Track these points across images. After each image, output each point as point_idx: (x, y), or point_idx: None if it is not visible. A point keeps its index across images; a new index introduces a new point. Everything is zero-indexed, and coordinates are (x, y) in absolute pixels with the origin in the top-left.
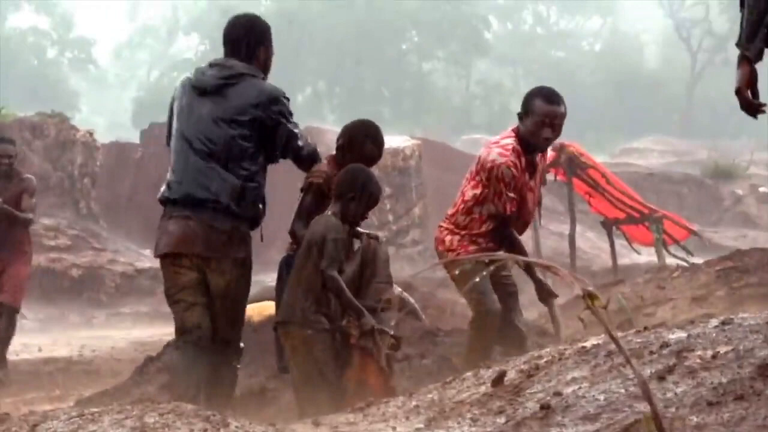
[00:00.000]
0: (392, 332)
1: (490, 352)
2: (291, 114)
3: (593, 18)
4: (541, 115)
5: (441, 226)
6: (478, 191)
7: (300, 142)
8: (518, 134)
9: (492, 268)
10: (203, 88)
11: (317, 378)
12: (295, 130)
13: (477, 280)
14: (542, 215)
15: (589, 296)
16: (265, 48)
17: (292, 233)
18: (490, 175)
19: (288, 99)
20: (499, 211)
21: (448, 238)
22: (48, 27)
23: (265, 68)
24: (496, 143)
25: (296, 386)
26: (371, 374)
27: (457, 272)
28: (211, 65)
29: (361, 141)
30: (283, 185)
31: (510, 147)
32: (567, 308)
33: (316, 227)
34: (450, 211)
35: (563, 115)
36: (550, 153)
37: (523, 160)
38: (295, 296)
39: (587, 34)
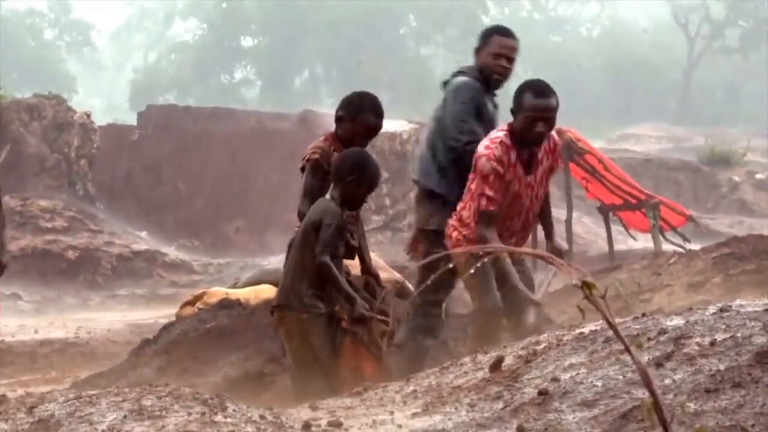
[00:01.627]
0: (383, 318)
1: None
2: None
3: (591, 3)
4: (531, 110)
5: (449, 222)
6: (474, 186)
7: None
8: (511, 129)
9: (486, 260)
10: None
11: (312, 362)
12: None
13: (477, 276)
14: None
15: (587, 285)
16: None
17: (300, 213)
18: (475, 169)
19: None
20: (477, 207)
21: (454, 234)
22: (46, 9)
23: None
24: (488, 137)
25: (292, 370)
26: (364, 361)
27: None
28: None
29: (362, 112)
30: (275, 171)
31: (498, 140)
32: (563, 295)
33: (313, 212)
34: (459, 205)
35: (555, 108)
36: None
37: (513, 154)
38: (292, 280)
39: (585, 19)
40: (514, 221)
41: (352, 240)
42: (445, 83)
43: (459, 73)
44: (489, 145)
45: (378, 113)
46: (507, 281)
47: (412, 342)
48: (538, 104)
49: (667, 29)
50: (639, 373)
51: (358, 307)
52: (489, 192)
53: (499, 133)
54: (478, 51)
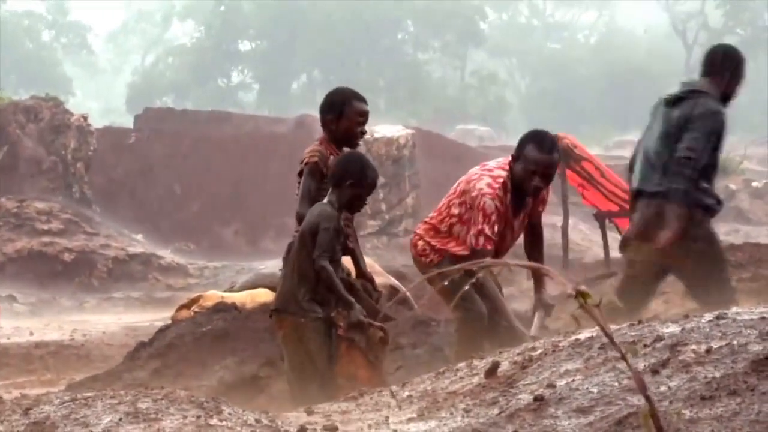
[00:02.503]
0: (379, 325)
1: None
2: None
3: (589, 10)
4: (533, 163)
5: (416, 232)
6: (462, 210)
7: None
8: (511, 171)
9: (474, 279)
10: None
11: (309, 366)
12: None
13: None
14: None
15: (581, 295)
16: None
17: (299, 217)
18: (473, 203)
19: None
20: (470, 243)
21: (420, 243)
22: (44, 11)
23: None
24: (489, 171)
25: (288, 374)
26: (360, 367)
27: (444, 284)
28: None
29: (349, 103)
30: (272, 176)
31: (501, 181)
32: (558, 302)
33: (310, 216)
34: (432, 217)
35: (555, 164)
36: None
37: (508, 196)
38: (290, 284)
39: (583, 26)
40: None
41: (349, 242)
42: (679, 98)
43: (699, 93)
44: (493, 185)
45: (361, 98)
46: (500, 317)
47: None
48: (539, 159)
49: (665, 36)
50: (635, 381)
51: (356, 313)
52: (488, 231)
53: (501, 172)
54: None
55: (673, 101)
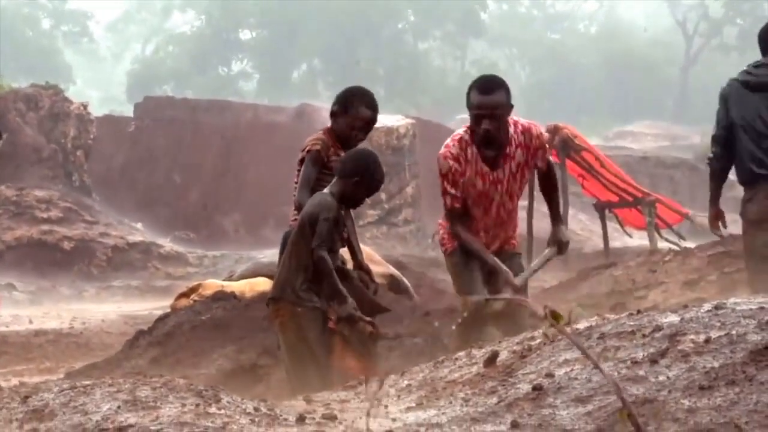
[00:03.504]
0: (369, 320)
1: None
2: None
3: (589, 1)
4: (475, 108)
5: (439, 222)
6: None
7: None
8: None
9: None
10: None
11: (307, 355)
12: None
13: (461, 273)
14: (535, 197)
15: (553, 316)
16: None
17: (297, 205)
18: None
19: None
20: (444, 205)
21: (440, 232)
22: None
23: None
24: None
25: (286, 363)
26: (351, 361)
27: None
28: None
29: (356, 105)
30: (272, 165)
31: (457, 137)
32: (557, 291)
33: (310, 205)
34: None
35: (500, 105)
36: (544, 135)
37: (470, 151)
38: (288, 273)
39: (583, 16)
40: (486, 217)
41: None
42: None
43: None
44: (447, 144)
45: (371, 106)
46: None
47: None
48: (480, 101)
49: (665, 27)
50: (611, 385)
51: (348, 307)
52: (451, 190)
53: (460, 131)
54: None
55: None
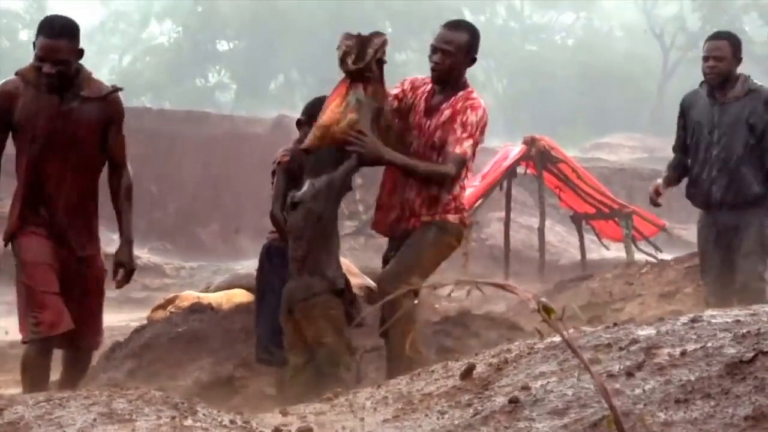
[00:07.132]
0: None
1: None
2: None
3: (567, 12)
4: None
5: None
6: None
7: None
8: None
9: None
10: None
11: (338, 336)
12: None
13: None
14: (512, 208)
15: (544, 309)
16: None
17: (272, 216)
18: None
19: None
20: None
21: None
22: (21, 10)
23: None
24: None
25: (322, 355)
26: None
27: None
28: None
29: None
30: (249, 176)
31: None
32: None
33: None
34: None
35: (452, 41)
36: (520, 147)
37: (424, 89)
38: (313, 264)
39: (560, 28)
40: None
41: None
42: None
43: None
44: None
45: None
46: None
47: None
48: (441, 34)
49: (642, 39)
50: (599, 390)
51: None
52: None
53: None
54: None
55: None
